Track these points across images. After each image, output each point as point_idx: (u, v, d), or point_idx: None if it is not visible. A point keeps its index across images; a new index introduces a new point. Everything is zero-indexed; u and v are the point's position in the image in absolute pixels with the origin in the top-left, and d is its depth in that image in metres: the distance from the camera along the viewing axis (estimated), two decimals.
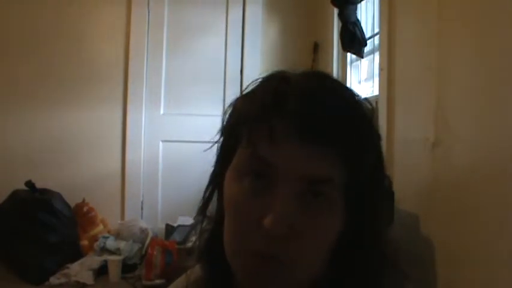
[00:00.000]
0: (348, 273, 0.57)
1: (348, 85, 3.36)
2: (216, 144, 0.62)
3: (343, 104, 0.55)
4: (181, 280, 0.69)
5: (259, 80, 0.59)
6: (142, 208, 3.73)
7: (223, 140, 0.60)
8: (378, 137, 0.58)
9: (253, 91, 0.58)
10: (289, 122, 0.52)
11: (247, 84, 0.59)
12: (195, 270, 0.65)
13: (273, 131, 0.52)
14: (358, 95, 0.58)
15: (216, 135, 0.62)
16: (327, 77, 0.59)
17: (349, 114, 0.54)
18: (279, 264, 0.52)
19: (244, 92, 0.59)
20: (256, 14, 3.91)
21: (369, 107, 0.58)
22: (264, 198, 0.52)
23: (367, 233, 0.57)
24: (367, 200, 0.56)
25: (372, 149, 0.57)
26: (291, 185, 0.52)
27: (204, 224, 0.63)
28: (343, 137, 0.52)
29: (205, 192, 0.62)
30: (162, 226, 3.46)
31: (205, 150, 0.63)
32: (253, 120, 0.54)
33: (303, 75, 0.57)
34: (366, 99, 0.59)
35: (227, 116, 0.60)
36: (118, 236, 3.27)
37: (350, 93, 0.58)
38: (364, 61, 3.22)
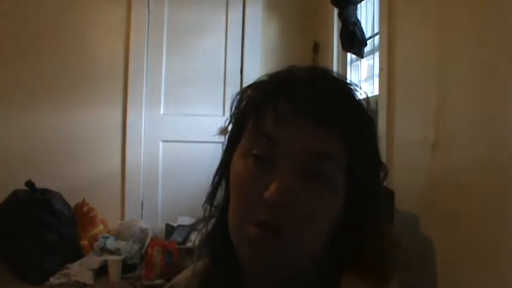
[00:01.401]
0: (347, 254, 0.58)
1: (348, 80, 3.35)
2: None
3: (342, 90, 0.60)
4: (188, 270, 0.71)
5: (267, 74, 0.63)
6: (142, 208, 3.73)
7: (232, 127, 0.64)
8: (373, 123, 0.62)
9: (259, 81, 0.63)
10: (293, 103, 0.56)
11: (255, 80, 0.64)
12: (201, 262, 0.67)
13: (277, 112, 0.56)
14: (354, 84, 0.62)
15: (219, 143, 0.64)
16: (327, 69, 0.64)
17: (348, 100, 0.59)
18: (280, 235, 0.54)
19: (252, 82, 0.64)
20: (256, 14, 3.91)
21: (365, 98, 0.62)
22: (267, 175, 0.55)
23: (365, 214, 0.59)
24: (365, 182, 0.59)
25: (369, 133, 0.60)
26: (293, 160, 0.55)
27: (212, 211, 0.66)
28: (343, 120, 0.56)
29: (213, 178, 0.65)
30: (162, 226, 3.47)
31: (214, 136, 0.66)
32: (259, 103, 0.58)
33: (306, 67, 0.62)
34: (358, 86, 0.63)
35: (235, 103, 0.63)
36: (118, 236, 3.27)
37: (348, 84, 0.62)
38: (364, 61, 3.23)
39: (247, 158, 0.58)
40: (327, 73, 0.62)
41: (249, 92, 0.62)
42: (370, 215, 0.60)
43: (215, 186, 0.65)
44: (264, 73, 0.63)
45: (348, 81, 0.63)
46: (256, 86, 0.62)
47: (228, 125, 0.64)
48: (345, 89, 0.60)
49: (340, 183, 0.57)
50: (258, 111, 0.58)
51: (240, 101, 0.63)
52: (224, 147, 0.65)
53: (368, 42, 2.95)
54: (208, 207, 0.65)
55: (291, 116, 0.56)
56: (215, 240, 0.64)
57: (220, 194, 0.65)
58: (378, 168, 0.61)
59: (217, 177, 0.65)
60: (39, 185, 3.23)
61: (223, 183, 0.65)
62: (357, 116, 0.58)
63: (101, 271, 2.99)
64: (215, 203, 0.65)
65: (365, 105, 0.60)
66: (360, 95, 0.61)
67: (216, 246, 0.64)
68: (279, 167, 0.55)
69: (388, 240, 0.61)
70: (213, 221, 0.65)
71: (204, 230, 0.66)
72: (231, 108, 0.63)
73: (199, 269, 0.67)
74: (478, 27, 1.92)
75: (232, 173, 0.60)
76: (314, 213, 0.56)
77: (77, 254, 3.14)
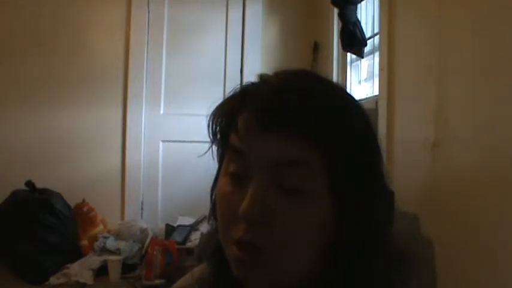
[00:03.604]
0: (348, 271, 0.56)
1: (348, 85, 3.36)
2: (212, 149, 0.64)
3: (311, 95, 0.55)
4: (186, 278, 0.70)
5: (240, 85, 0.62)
6: (142, 208, 3.72)
7: (216, 144, 0.63)
8: (350, 118, 0.56)
9: (228, 96, 0.61)
10: (252, 114, 0.54)
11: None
12: (200, 269, 0.67)
13: (240, 125, 0.55)
14: (338, 87, 0.60)
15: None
16: (305, 74, 0.60)
17: (314, 100, 0.54)
18: (259, 252, 0.53)
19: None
20: (256, 14, 3.91)
21: (350, 97, 0.60)
22: (242, 191, 0.54)
23: (362, 228, 0.56)
24: (352, 185, 0.55)
25: (346, 131, 0.55)
26: (262, 171, 0.54)
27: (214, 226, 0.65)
28: (308, 125, 0.53)
29: (210, 195, 0.64)
30: (162, 226, 3.46)
31: (199, 156, 0.65)
32: (226, 120, 0.58)
33: (280, 74, 0.59)
34: (347, 92, 0.61)
35: (210, 124, 0.62)
36: (118, 236, 3.27)
37: (327, 87, 0.59)
38: (364, 61, 3.23)
39: (226, 176, 0.58)
40: (299, 78, 0.58)
41: (220, 109, 0.61)
42: (367, 222, 0.56)
43: (214, 202, 0.64)
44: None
45: (322, 77, 0.60)
46: (225, 101, 0.61)
47: (212, 143, 0.63)
48: (311, 88, 0.56)
49: (318, 188, 0.53)
50: (223, 127, 0.58)
51: (213, 121, 0.61)
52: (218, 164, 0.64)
53: (368, 42, 2.95)
54: (212, 222, 0.64)
55: (255, 128, 0.54)
56: (216, 254, 0.63)
57: None
58: (367, 168, 0.56)
59: (213, 195, 0.64)
60: (39, 185, 3.23)
61: None
62: (331, 123, 0.54)
63: (101, 271, 2.99)
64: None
65: (342, 101, 0.57)
66: (339, 90, 0.59)
67: (217, 260, 0.63)
68: (250, 181, 0.54)
69: (390, 250, 0.59)
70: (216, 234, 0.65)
71: (205, 245, 0.66)
72: (207, 129, 0.62)
73: (199, 275, 0.66)
74: (477, 27, 1.92)
75: (216, 192, 0.60)
76: (293, 224, 0.53)
77: (77, 254, 3.13)
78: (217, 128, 0.60)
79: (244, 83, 0.61)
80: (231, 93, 0.61)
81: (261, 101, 0.54)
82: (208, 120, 0.62)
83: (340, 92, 0.59)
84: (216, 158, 0.63)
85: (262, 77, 0.60)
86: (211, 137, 0.62)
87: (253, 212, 0.52)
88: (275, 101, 0.54)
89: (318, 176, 0.53)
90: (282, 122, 0.53)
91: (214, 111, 0.62)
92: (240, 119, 0.56)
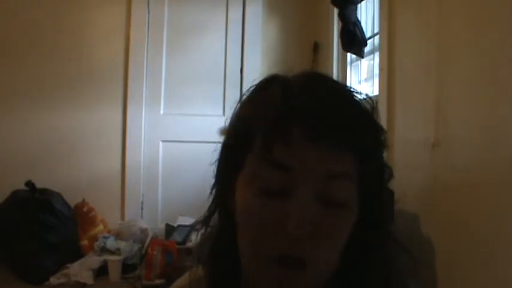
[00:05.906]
0: (358, 266, 0.58)
1: (348, 85, 3.36)
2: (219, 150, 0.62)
3: (347, 104, 0.57)
4: (183, 279, 0.70)
5: (258, 85, 0.60)
6: (142, 208, 3.72)
7: (230, 148, 0.60)
8: (382, 131, 0.60)
9: (258, 98, 0.59)
10: (302, 126, 0.53)
11: (245, 91, 0.60)
12: (197, 270, 0.66)
13: (287, 137, 0.53)
14: (357, 92, 0.60)
15: (219, 143, 0.62)
16: (326, 78, 0.60)
17: (355, 113, 0.56)
18: (303, 266, 0.53)
19: (245, 99, 0.60)
20: (256, 13, 3.91)
21: (370, 102, 0.60)
22: (282, 203, 0.53)
23: (377, 224, 0.59)
24: (375, 190, 0.59)
25: (379, 142, 0.59)
26: (309, 186, 0.53)
27: (208, 230, 0.64)
28: (356, 139, 0.54)
29: (211, 203, 0.63)
30: (162, 226, 3.47)
31: (212, 164, 0.63)
32: (266, 128, 0.54)
33: (303, 79, 0.58)
34: (366, 95, 0.61)
35: (232, 124, 0.60)
36: (118, 236, 3.27)
37: (350, 92, 0.60)
38: (364, 61, 3.23)
39: (257, 186, 0.54)
40: (326, 85, 0.58)
41: (248, 113, 0.58)
42: (380, 220, 0.59)
43: (213, 209, 0.63)
44: (259, 78, 0.59)
45: (351, 89, 0.61)
46: (255, 106, 0.58)
47: (226, 145, 0.60)
48: (349, 101, 0.58)
49: (354, 198, 0.55)
50: (266, 137, 0.54)
51: (237, 123, 0.59)
52: (217, 169, 0.61)
53: (368, 42, 2.95)
54: (204, 229, 0.64)
55: (301, 141, 0.52)
56: (214, 259, 0.63)
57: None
58: (385, 173, 0.61)
59: (215, 202, 0.62)
60: (39, 185, 3.23)
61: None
62: (368, 130, 0.57)
63: (101, 271, 2.99)
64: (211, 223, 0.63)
65: (370, 111, 0.58)
66: (364, 99, 0.59)
67: (215, 266, 0.63)
68: (295, 194, 0.53)
69: (398, 246, 0.61)
70: (211, 238, 0.64)
71: (201, 250, 0.65)
72: (229, 130, 0.60)
73: (195, 279, 0.66)
74: (477, 27, 1.92)
75: (240, 202, 0.56)
76: (336, 236, 0.55)
77: (77, 254, 3.14)
78: (246, 131, 0.57)
79: (270, 86, 0.58)
80: (260, 94, 0.58)
81: (312, 114, 0.53)
82: (234, 121, 0.60)
83: (364, 103, 0.60)
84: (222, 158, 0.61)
85: (291, 81, 0.57)
86: (232, 138, 0.59)
87: (304, 229, 0.51)
88: (327, 117, 0.53)
89: (354, 183, 0.55)
90: (335, 138, 0.53)
91: (243, 111, 0.59)
92: (288, 132, 0.53)
